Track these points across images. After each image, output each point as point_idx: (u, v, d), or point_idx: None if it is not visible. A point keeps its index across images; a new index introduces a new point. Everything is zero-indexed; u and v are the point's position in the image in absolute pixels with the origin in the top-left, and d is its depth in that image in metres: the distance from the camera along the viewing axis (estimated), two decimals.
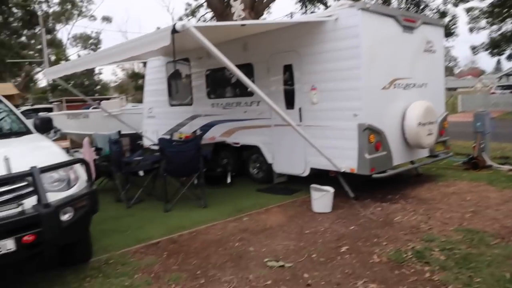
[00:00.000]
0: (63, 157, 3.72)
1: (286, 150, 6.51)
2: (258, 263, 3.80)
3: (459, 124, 12.44)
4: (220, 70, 7.55)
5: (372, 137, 5.44)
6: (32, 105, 19.26)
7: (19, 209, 3.02)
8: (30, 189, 3.15)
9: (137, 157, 6.86)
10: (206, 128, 8.00)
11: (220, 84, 7.79)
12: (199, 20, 20.62)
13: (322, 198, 5.26)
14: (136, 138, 8.68)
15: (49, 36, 33.68)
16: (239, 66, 7.17)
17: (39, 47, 32.69)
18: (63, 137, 12.15)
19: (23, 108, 16.66)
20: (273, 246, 4.21)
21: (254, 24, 5.35)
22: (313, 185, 5.39)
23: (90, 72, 32.29)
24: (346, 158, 5.59)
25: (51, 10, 33.28)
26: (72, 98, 16.15)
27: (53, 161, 3.45)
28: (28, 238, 2.97)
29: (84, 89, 29.61)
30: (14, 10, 32.10)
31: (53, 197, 3.30)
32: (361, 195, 5.84)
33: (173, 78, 8.86)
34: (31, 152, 3.77)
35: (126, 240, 4.68)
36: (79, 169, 3.69)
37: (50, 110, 15.90)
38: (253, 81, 6.88)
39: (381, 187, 6.20)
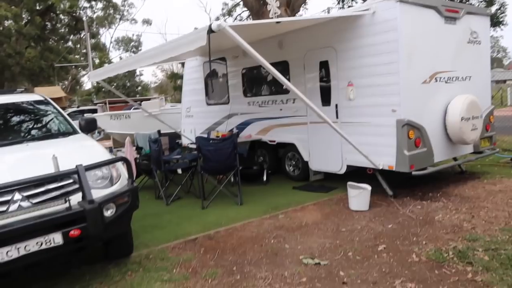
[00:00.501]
0: (106, 155, 3.89)
1: (322, 148, 6.46)
2: (293, 260, 3.80)
3: (508, 119, 11.79)
4: (255, 68, 7.61)
5: (411, 133, 5.28)
6: (78, 106, 20.22)
7: (66, 205, 3.19)
8: (76, 186, 3.33)
9: (175, 155, 7.06)
10: (242, 126, 8.08)
11: (256, 82, 7.83)
12: (235, 19, 20.83)
13: (359, 196, 5.17)
14: (174, 137, 8.90)
15: (93, 40, 35.20)
16: (274, 64, 7.23)
17: (84, 51, 34.25)
18: (106, 137, 12.69)
19: (70, 110, 17.54)
20: (308, 243, 4.20)
21: (289, 21, 5.33)
22: (350, 183, 5.31)
23: (131, 74, 33.43)
24: (384, 155, 5.47)
25: (95, 15, 34.82)
26: (114, 99, 16.79)
27: (96, 160, 3.62)
28: (74, 232, 3.14)
29: (126, 91, 30.69)
30: (62, 16, 33.93)
31: (97, 193, 3.46)
32: (400, 193, 5.69)
33: (210, 77, 9.01)
34: (77, 151, 3.97)
35: (165, 236, 4.82)
36: (121, 167, 3.85)
37: (94, 111, 16.63)
38: (288, 79, 6.90)
39: (421, 185, 6.02)
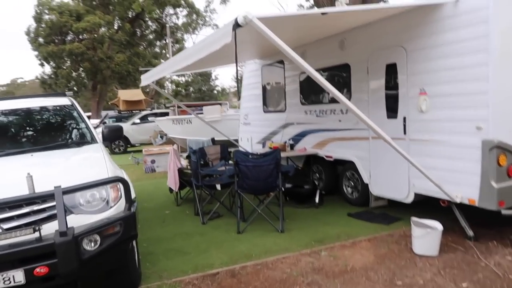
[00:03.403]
0: (109, 172, 3.34)
1: (386, 169, 5.34)
2: None
3: None
4: None
5: (502, 158, 4.00)
6: (151, 109, 20.84)
7: (35, 235, 2.66)
8: (53, 212, 2.80)
9: (220, 167, 6.43)
10: (298, 137, 7.22)
11: (313, 89, 6.91)
12: None
13: (425, 237, 4.02)
14: (229, 146, 8.32)
15: (177, 46, 36.64)
16: (334, 67, 6.32)
17: (168, 56, 35.80)
18: (169, 141, 12.63)
19: (144, 112, 18.04)
20: None
21: (339, 11, 4.35)
22: (414, 219, 4.18)
23: (207, 78, 34.05)
24: (464, 185, 4.24)
25: (180, 22, 36.25)
26: (186, 103, 16.87)
27: (94, 177, 3.09)
28: (40, 270, 2.60)
29: (201, 94, 31.29)
30: (150, 23, 35.92)
31: (87, 219, 2.95)
32: (484, 235, 4.39)
33: (268, 82, 8.30)
34: (77, 166, 3.47)
35: (185, 266, 4.17)
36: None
37: (166, 114, 16.88)
38: (350, 85, 5.93)
39: None
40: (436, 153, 4.56)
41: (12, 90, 63.34)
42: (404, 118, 5.00)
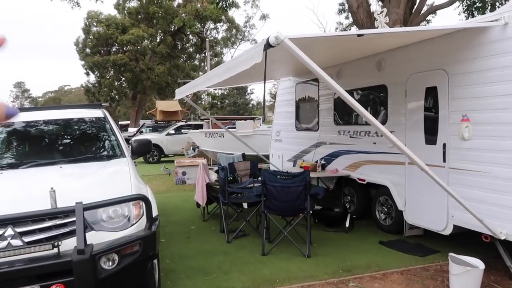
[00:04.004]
0: (133, 188, 3.31)
1: (422, 197, 5.04)
2: None
3: None
4: (348, 92, 6.50)
5: None
6: (185, 121, 21.15)
7: (54, 251, 2.64)
8: (75, 227, 2.78)
9: (248, 184, 6.34)
10: (330, 158, 7.00)
11: (347, 109, 6.71)
12: None
13: (464, 275, 3.71)
14: (258, 162, 8.22)
15: (216, 59, 37.33)
16: (371, 88, 6.12)
17: (206, 69, 36.51)
18: (201, 154, 12.70)
19: (179, 123, 18.35)
20: None
21: (376, 33, 4.19)
22: (452, 255, 3.87)
23: (242, 92, 34.30)
24: (509, 221, 3.90)
25: (219, 36, 37.00)
26: (220, 116, 16.98)
27: (117, 193, 3.07)
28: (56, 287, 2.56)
29: (236, 108, 31.51)
30: (191, 37, 36.86)
31: (108, 236, 2.92)
32: None
33: (301, 100, 8.18)
34: (99, 181, 3.46)
35: (205, 287, 4.06)
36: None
37: (200, 126, 17.08)
38: (386, 107, 5.70)
39: None
40: (479, 184, 4.24)
41: (59, 96, 66.67)
42: (444, 145, 4.71)
